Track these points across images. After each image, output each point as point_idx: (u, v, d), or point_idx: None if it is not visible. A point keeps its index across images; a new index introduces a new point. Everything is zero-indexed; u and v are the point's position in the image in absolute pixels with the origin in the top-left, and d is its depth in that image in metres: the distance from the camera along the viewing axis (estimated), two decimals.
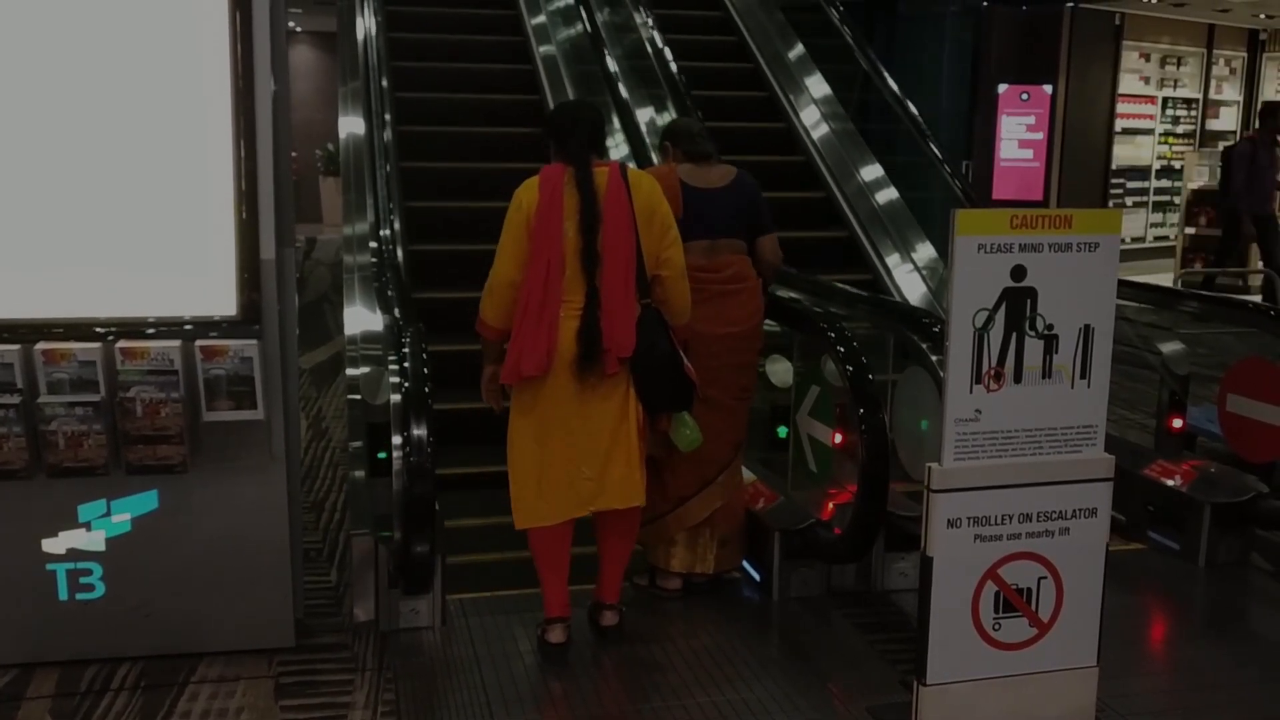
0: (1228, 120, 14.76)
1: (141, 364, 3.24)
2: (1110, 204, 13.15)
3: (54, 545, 3.37)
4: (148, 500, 3.39)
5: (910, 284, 6.36)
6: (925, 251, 6.53)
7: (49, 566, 3.38)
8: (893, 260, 6.52)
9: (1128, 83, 13.47)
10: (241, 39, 3.27)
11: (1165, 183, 14.08)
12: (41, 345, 3.22)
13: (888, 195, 6.87)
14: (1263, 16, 13.68)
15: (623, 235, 3.38)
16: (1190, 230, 12.56)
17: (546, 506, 3.45)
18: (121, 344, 3.24)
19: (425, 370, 3.62)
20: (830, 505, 4.04)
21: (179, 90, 3.29)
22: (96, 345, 3.24)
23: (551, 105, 7.36)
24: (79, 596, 3.41)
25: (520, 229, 3.38)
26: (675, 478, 3.87)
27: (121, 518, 3.38)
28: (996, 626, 3.03)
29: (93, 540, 3.38)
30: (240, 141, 3.29)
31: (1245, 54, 14.66)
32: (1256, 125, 14.05)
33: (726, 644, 3.65)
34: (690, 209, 3.82)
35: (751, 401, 4.07)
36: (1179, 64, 14.17)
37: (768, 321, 4.27)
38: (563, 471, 3.43)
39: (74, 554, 3.38)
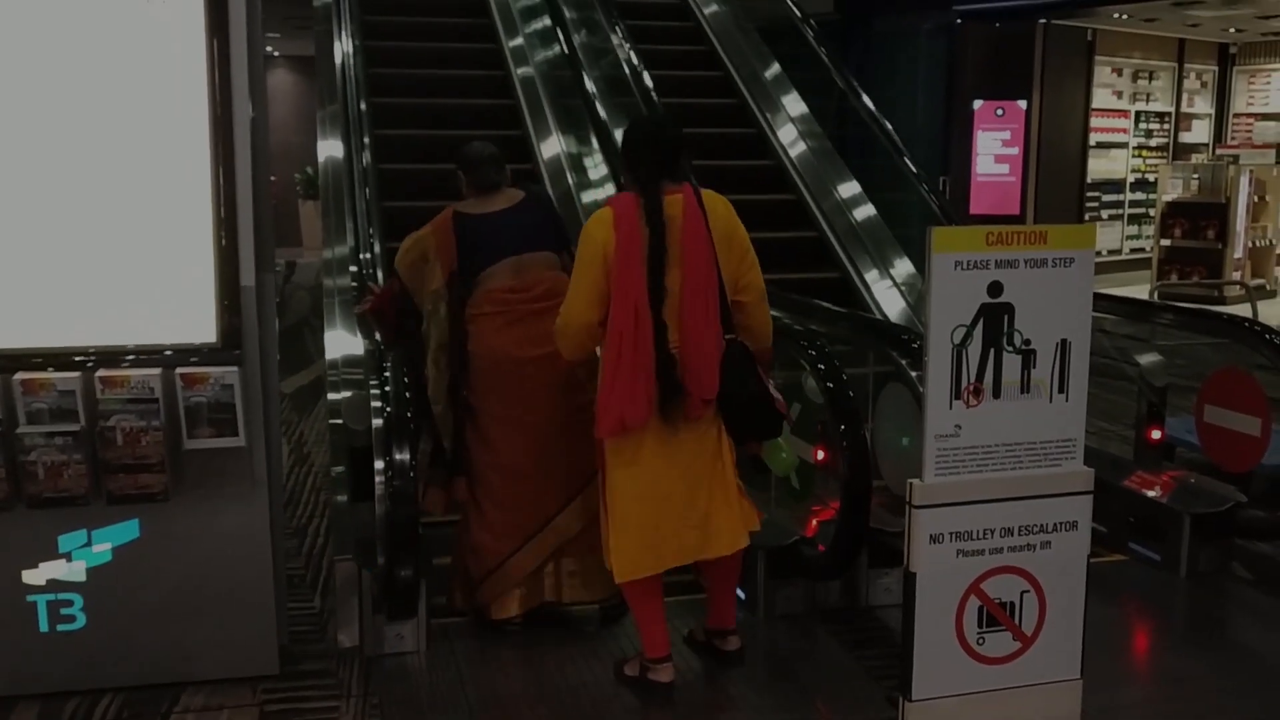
0: (1200, 133, 14.93)
1: (121, 392, 3.22)
2: (1086, 217, 13.26)
3: (34, 576, 3.34)
4: (129, 529, 3.37)
5: (889, 300, 6.39)
6: (903, 267, 6.57)
7: (29, 598, 3.35)
8: (871, 276, 6.56)
9: (1101, 97, 13.62)
10: (219, 66, 3.27)
11: (1140, 195, 14.22)
12: (20, 375, 3.21)
13: (865, 211, 6.92)
14: (1232, 31, 13.86)
15: (703, 269, 3.20)
16: (1165, 242, 12.68)
17: (651, 557, 3.30)
18: (101, 373, 3.23)
19: (407, 394, 3.62)
20: (814, 522, 4.05)
21: (156, 117, 3.29)
22: (76, 374, 3.22)
23: (529, 120, 7.41)
24: (60, 628, 3.38)
25: (597, 269, 3.19)
26: (500, 527, 3.79)
27: (102, 548, 3.36)
28: (980, 641, 3.05)
29: (73, 571, 3.36)
30: (219, 168, 3.29)
31: (1216, 67, 14.85)
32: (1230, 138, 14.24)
33: (711, 662, 3.65)
34: (470, 236, 3.72)
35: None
36: (1151, 78, 14.33)
37: None
38: (666, 520, 3.28)
39: (54, 585, 3.36)
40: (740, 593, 4.12)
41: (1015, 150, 12.47)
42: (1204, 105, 14.93)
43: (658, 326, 3.19)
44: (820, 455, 3.99)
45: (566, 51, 7.27)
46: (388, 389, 3.66)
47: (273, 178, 4.02)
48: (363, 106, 6.55)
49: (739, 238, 3.32)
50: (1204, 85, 14.89)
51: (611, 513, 3.32)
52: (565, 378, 3.71)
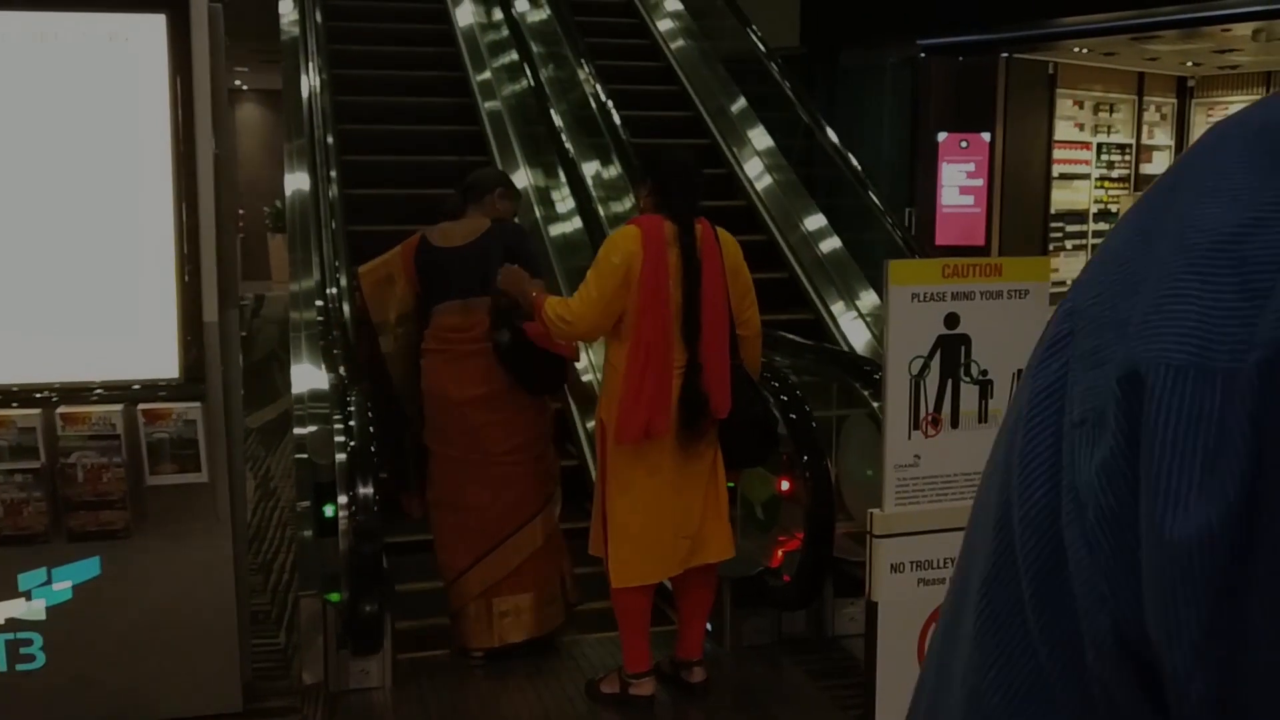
0: (1160, 164, 15.15)
1: (83, 429, 3.21)
2: (1050, 247, 13.40)
3: None
4: (90, 567, 3.34)
5: (854, 331, 6.45)
6: (869, 299, 6.63)
7: None
8: (837, 308, 6.61)
9: (1063, 129, 13.81)
10: (182, 104, 3.29)
11: (1103, 226, 14.39)
12: None
13: (831, 244, 6.98)
14: (1189, 64, 14.12)
15: (719, 294, 3.38)
16: None
17: (649, 566, 3.41)
18: (62, 409, 3.21)
19: (371, 429, 3.62)
20: (779, 553, 4.07)
21: (119, 154, 3.30)
22: (36, 411, 3.21)
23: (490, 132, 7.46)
24: (19, 667, 3.34)
25: (619, 280, 3.28)
26: (451, 554, 3.87)
27: (63, 586, 3.33)
28: None
29: (33, 610, 3.32)
30: (182, 205, 3.30)
31: (1175, 100, 15.11)
32: None
33: (677, 694, 3.65)
34: (427, 268, 3.79)
35: (542, 461, 3.92)
36: (1111, 110, 14.56)
37: None
38: (664, 531, 3.39)
39: (13, 624, 3.32)
40: (707, 624, 4.14)
41: (980, 182, 12.62)
42: (1164, 137, 15.17)
43: (689, 343, 3.30)
44: (785, 486, 4.02)
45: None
46: (351, 423, 3.66)
47: (240, 211, 4.04)
48: (329, 140, 6.56)
49: (744, 275, 3.49)
50: (1163, 117, 15.14)
51: (611, 521, 3.39)
52: (505, 418, 3.77)
